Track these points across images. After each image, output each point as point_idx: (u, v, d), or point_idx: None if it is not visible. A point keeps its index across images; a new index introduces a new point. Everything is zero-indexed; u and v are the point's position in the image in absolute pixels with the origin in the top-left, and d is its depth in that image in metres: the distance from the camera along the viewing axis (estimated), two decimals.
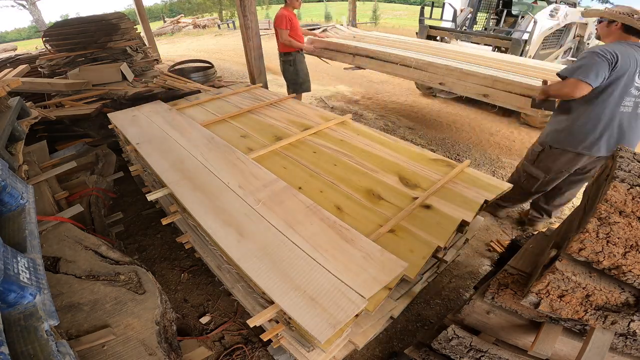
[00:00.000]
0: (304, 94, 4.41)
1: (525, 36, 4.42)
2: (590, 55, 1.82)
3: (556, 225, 1.97)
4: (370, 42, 4.32)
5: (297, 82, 4.14)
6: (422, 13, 5.39)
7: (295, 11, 3.95)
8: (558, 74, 1.99)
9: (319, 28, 5.25)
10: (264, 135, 2.29)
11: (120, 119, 2.51)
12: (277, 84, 6.09)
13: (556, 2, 4.89)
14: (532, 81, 2.69)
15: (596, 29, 2.02)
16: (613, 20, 1.85)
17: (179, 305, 2.01)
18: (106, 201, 2.34)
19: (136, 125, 2.39)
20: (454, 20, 5.32)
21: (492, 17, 5.63)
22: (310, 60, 4.27)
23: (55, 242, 1.44)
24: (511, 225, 2.67)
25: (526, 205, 2.76)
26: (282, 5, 3.84)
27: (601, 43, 2.13)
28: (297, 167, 1.93)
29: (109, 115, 2.61)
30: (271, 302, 1.17)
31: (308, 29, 4.83)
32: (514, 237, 1.88)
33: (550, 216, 2.53)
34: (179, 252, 2.37)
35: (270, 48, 4.28)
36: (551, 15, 4.41)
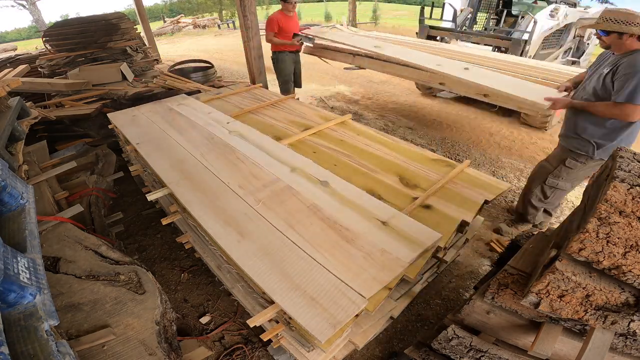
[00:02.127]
0: (304, 95, 4.43)
1: (525, 36, 4.42)
2: None
3: (556, 225, 1.97)
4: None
5: (279, 81, 4.26)
6: (422, 13, 5.39)
7: (295, 12, 3.98)
8: (616, 101, 1.78)
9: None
10: None
11: (120, 119, 2.51)
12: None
13: (556, 2, 4.89)
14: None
15: (599, 37, 1.88)
16: (623, 32, 1.73)
17: (179, 305, 2.01)
18: (106, 201, 2.34)
19: (136, 125, 2.39)
20: (454, 20, 5.32)
21: (492, 17, 5.63)
22: (310, 60, 4.27)
23: (55, 242, 1.44)
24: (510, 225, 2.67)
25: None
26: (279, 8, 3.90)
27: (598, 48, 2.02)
28: None
29: (109, 115, 2.61)
30: (271, 302, 1.17)
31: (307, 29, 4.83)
32: (514, 237, 1.88)
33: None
34: (179, 252, 2.37)
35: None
36: (551, 16, 4.41)
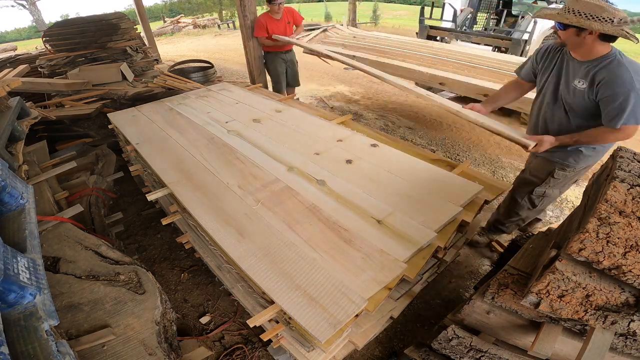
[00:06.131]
0: (304, 95, 4.38)
1: (526, 36, 4.43)
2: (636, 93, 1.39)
3: (556, 225, 1.97)
4: (370, 44, 4.32)
5: (271, 82, 4.11)
6: (422, 13, 5.39)
7: (284, 14, 3.69)
8: (614, 127, 1.48)
9: (319, 28, 5.25)
10: None
11: (120, 119, 2.51)
12: None
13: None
14: None
15: (555, 31, 1.57)
16: (582, 27, 1.38)
17: (179, 305, 2.01)
18: (106, 201, 2.34)
19: (136, 125, 2.39)
20: (454, 20, 5.32)
21: (492, 17, 5.64)
22: (310, 60, 4.26)
23: (55, 242, 1.44)
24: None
25: None
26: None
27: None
28: None
29: (109, 115, 2.61)
30: (271, 302, 1.17)
31: (308, 29, 4.82)
32: (514, 237, 1.88)
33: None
34: (179, 252, 2.37)
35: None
36: None
